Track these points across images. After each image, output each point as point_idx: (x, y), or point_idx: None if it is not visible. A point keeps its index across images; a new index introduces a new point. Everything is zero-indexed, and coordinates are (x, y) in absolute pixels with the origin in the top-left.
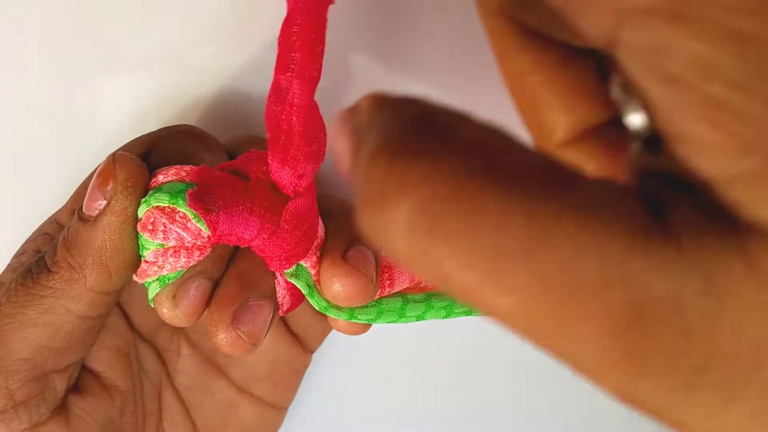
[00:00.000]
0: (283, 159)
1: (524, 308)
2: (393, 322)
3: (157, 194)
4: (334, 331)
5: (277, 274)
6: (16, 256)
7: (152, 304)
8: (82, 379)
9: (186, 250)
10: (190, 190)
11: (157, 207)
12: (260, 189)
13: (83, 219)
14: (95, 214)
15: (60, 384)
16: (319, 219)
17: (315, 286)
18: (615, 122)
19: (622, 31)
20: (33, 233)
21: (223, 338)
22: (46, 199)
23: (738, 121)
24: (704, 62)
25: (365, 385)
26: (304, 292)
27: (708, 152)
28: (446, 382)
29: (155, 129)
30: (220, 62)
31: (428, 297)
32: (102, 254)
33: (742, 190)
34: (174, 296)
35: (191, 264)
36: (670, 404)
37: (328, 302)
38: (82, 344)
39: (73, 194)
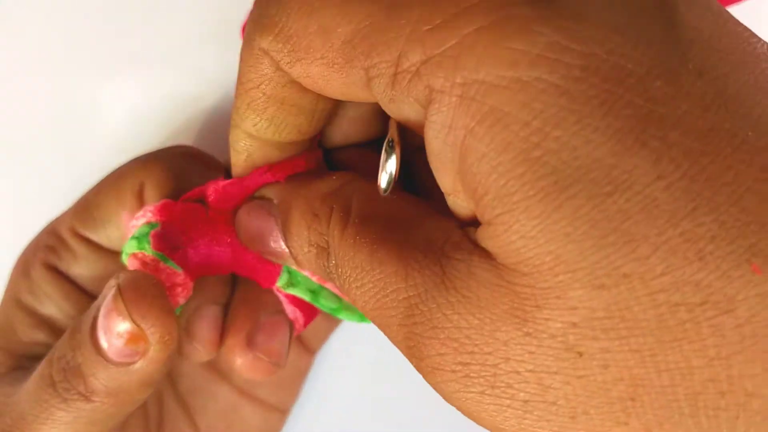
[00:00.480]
0: (234, 183)
1: (371, 316)
2: None
3: (130, 241)
4: (335, 332)
5: (276, 291)
6: (23, 274)
7: None
8: None
9: (168, 290)
10: (152, 232)
11: (132, 255)
12: (221, 217)
13: (110, 362)
14: (126, 362)
15: None
16: None
17: (319, 287)
18: None
19: (429, 110)
20: (32, 243)
21: (241, 363)
22: (44, 199)
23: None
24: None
25: (366, 387)
26: (307, 299)
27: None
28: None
29: (155, 129)
30: (222, 62)
31: None
32: (147, 383)
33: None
34: (187, 332)
35: (181, 302)
36: (439, 385)
37: (339, 303)
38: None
39: (72, 207)
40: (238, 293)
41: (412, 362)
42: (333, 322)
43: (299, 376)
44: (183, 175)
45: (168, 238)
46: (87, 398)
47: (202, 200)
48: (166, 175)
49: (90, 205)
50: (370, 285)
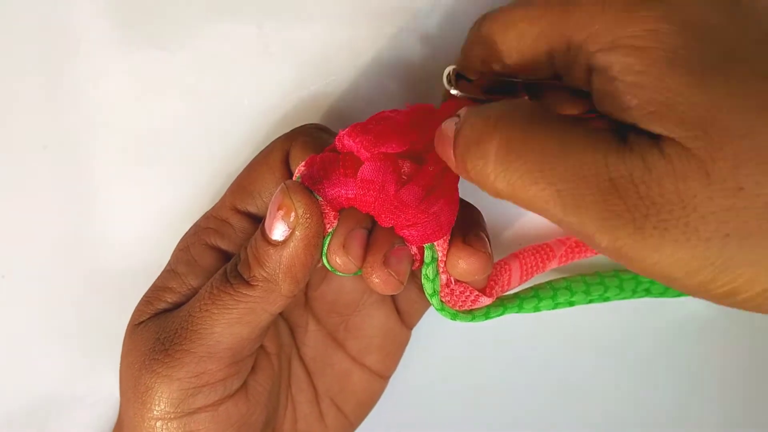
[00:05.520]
0: (351, 134)
1: (559, 193)
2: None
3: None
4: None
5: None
6: (183, 251)
7: (324, 261)
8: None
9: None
10: (301, 173)
11: None
12: (350, 158)
13: (271, 243)
14: (281, 239)
15: (249, 364)
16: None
17: (438, 293)
18: None
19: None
20: (191, 229)
21: (377, 277)
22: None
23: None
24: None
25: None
26: (427, 292)
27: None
28: (448, 383)
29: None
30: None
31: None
32: (291, 269)
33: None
34: (344, 246)
35: (328, 228)
36: (631, 245)
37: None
38: (267, 332)
39: (228, 191)
40: (377, 224)
41: (602, 236)
42: (427, 303)
43: (401, 348)
44: (320, 141)
45: (310, 176)
46: (248, 283)
47: (334, 150)
48: (305, 140)
49: (244, 182)
50: (562, 169)
